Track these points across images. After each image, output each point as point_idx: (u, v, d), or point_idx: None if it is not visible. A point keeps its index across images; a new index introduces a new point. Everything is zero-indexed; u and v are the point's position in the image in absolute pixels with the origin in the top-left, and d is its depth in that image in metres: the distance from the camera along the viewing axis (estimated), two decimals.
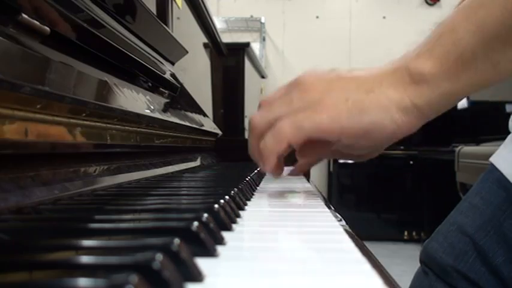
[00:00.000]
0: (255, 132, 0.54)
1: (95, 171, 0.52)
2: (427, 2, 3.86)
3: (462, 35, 0.45)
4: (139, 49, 0.74)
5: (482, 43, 0.45)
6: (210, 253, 0.27)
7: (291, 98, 0.51)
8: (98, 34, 0.57)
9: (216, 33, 1.57)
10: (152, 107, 0.70)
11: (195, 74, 1.37)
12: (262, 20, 3.93)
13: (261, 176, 0.85)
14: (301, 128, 0.49)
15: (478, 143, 2.37)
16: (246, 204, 0.48)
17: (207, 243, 0.27)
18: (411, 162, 3.46)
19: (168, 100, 0.87)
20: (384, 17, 3.93)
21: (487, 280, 0.61)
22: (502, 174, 0.66)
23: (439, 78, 0.46)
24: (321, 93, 0.49)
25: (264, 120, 0.53)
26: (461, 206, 0.69)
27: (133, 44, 0.70)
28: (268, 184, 0.75)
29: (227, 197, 0.41)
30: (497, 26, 0.44)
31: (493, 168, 0.68)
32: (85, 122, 0.48)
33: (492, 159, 0.69)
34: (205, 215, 0.30)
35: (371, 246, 0.36)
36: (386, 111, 0.48)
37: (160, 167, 0.75)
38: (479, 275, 0.62)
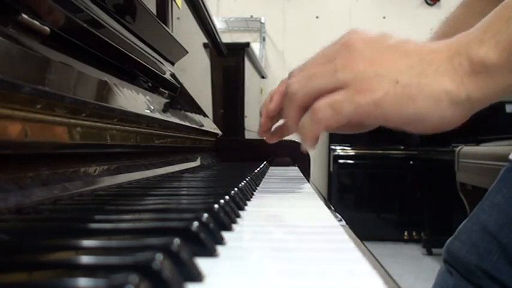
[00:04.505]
0: (294, 103, 0.49)
1: (95, 172, 0.52)
2: (427, 2, 3.86)
3: None
4: (139, 49, 0.74)
5: None
6: (210, 253, 0.27)
7: (334, 65, 0.45)
8: (98, 34, 0.57)
9: (216, 33, 1.57)
10: (152, 107, 0.70)
11: (195, 74, 1.37)
12: (262, 20, 3.93)
13: (261, 176, 0.85)
14: (341, 112, 0.44)
15: (478, 143, 2.37)
16: (246, 204, 0.48)
17: (207, 243, 0.27)
18: (411, 162, 3.45)
19: (168, 100, 0.87)
20: (384, 17, 3.93)
21: (511, 278, 0.61)
22: None
23: (504, 70, 0.41)
24: (368, 66, 0.44)
25: (303, 90, 0.48)
26: (483, 204, 0.69)
27: (133, 44, 0.70)
28: (268, 184, 0.75)
29: (227, 197, 0.41)
30: None
31: None
32: (85, 122, 0.48)
33: None
34: (205, 215, 0.30)
35: (371, 246, 0.36)
36: (436, 103, 0.42)
37: (160, 167, 0.75)
38: (503, 273, 0.62)
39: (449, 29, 0.73)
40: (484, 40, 0.41)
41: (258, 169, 0.85)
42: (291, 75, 0.51)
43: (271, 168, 1.15)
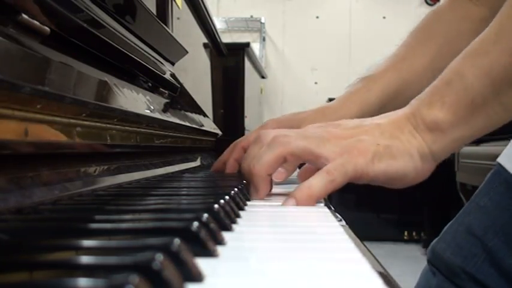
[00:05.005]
0: (280, 151, 0.51)
1: (95, 172, 0.52)
2: (427, 2, 3.86)
3: (471, 80, 0.47)
4: (139, 49, 0.74)
5: (491, 88, 0.46)
6: (210, 253, 0.27)
7: (322, 136, 0.50)
8: (98, 34, 0.57)
9: (216, 33, 1.57)
10: (152, 107, 0.70)
11: (195, 74, 1.37)
12: (262, 20, 3.93)
13: None
14: (346, 174, 0.48)
15: (478, 143, 2.37)
16: (246, 204, 0.48)
17: (207, 244, 0.27)
18: None
19: (168, 100, 0.87)
20: (384, 17, 3.93)
21: (496, 282, 0.61)
22: (510, 175, 0.65)
23: (452, 126, 0.48)
24: (349, 138, 0.50)
25: (296, 144, 0.50)
26: (469, 206, 0.69)
27: (133, 44, 0.70)
28: None
29: (227, 197, 0.41)
30: (505, 70, 0.46)
31: (501, 169, 0.67)
32: (85, 122, 0.48)
33: (500, 160, 0.69)
34: (205, 215, 0.30)
35: (371, 246, 0.36)
36: (411, 158, 0.49)
37: (160, 167, 0.75)
38: (488, 276, 0.61)
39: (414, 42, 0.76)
40: (432, 102, 0.49)
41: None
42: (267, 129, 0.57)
43: None
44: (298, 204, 0.49)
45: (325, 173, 0.48)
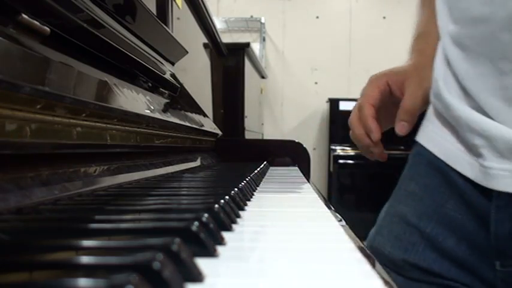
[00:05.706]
0: None
1: (95, 172, 0.52)
2: None
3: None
4: (139, 49, 0.74)
5: None
6: (210, 253, 0.27)
7: None
8: (98, 34, 0.57)
9: (216, 33, 1.57)
10: (152, 107, 0.70)
11: (195, 74, 1.37)
12: (262, 20, 3.92)
13: (261, 176, 0.85)
14: None
15: None
16: (246, 204, 0.48)
17: (207, 244, 0.27)
18: None
19: (168, 100, 0.87)
20: (384, 17, 3.92)
21: (440, 266, 0.59)
22: (432, 154, 0.62)
23: None
24: None
25: None
26: (397, 194, 0.66)
27: (133, 44, 0.70)
28: (268, 184, 0.75)
29: (227, 197, 0.41)
30: None
31: (422, 149, 0.64)
32: (85, 122, 0.48)
33: (420, 139, 0.65)
34: (205, 215, 0.30)
35: None
36: None
37: (161, 167, 0.75)
38: (431, 262, 0.59)
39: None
40: None
41: (258, 169, 0.85)
42: None
43: (271, 168, 1.16)
44: None
45: None
